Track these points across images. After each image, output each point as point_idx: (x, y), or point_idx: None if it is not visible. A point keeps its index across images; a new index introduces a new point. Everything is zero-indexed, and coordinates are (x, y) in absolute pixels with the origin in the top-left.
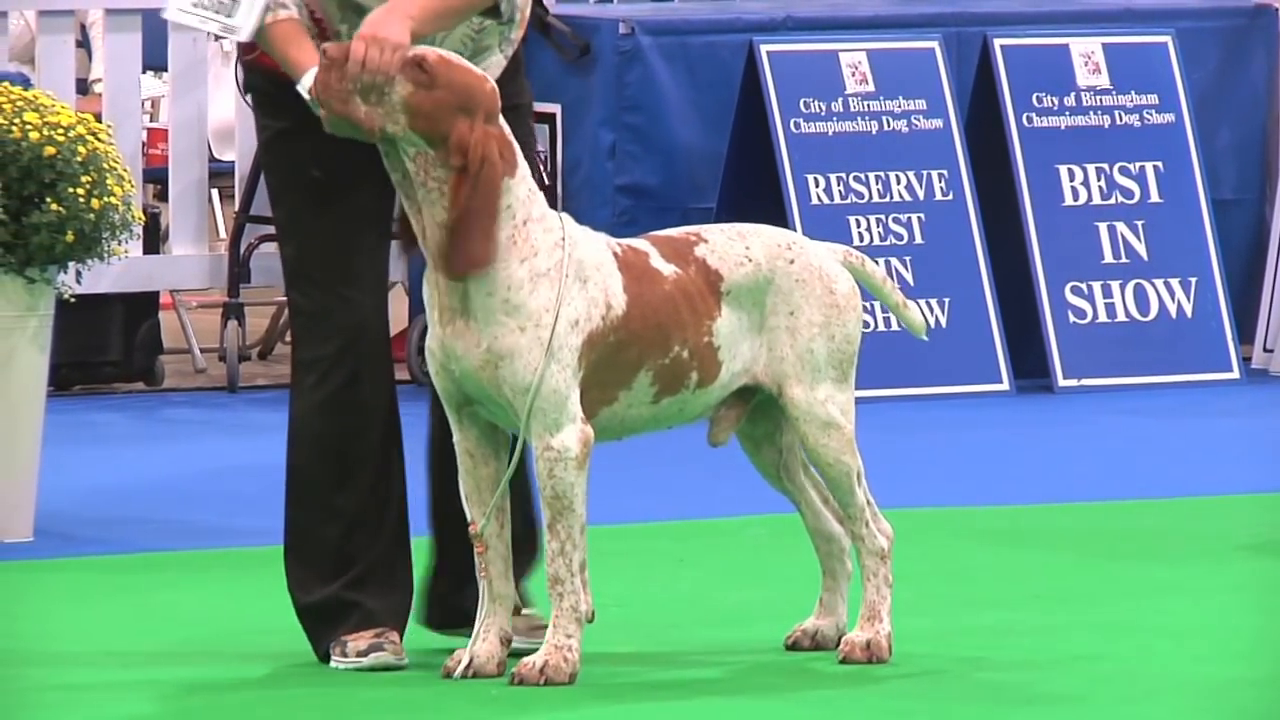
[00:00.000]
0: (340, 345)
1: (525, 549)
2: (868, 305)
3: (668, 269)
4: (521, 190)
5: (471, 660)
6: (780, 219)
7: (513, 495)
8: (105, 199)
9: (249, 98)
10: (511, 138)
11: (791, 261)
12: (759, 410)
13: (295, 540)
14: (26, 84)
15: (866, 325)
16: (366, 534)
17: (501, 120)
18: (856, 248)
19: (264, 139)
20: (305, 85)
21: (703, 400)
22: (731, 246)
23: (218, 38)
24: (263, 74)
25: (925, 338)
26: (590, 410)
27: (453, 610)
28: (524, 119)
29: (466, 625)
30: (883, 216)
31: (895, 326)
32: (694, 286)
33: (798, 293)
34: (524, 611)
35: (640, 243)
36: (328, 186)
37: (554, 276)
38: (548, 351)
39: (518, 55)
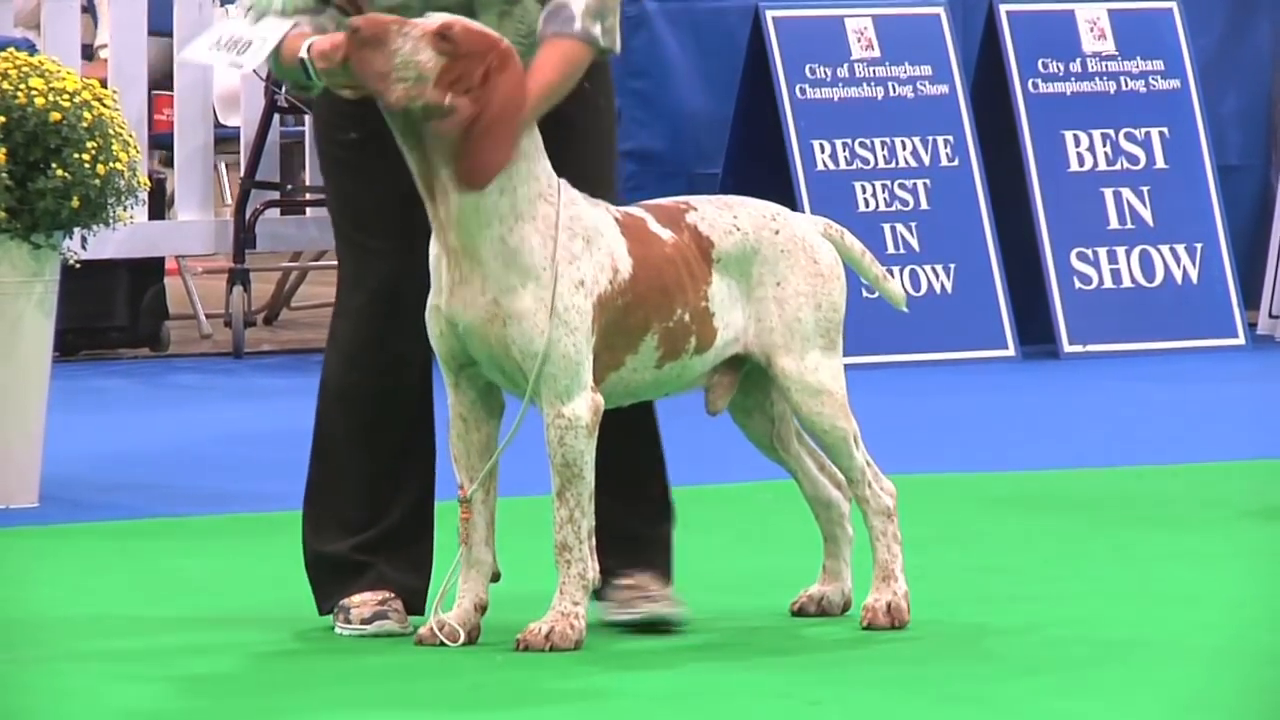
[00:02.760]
0: (369, 296)
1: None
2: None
3: (665, 233)
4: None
5: (445, 627)
6: (785, 185)
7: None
8: (110, 164)
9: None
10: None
11: (776, 232)
12: (749, 381)
13: (313, 492)
14: (32, 50)
15: (872, 293)
16: (384, 496)
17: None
18: (862, 214)
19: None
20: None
21: (699, 366)
22: (720, 215)
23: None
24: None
25: (905, 309)
26: (599, 375)
27: None
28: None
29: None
30: (888, 182)
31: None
32: (690, 252)
33: (783, 263)
34: (624, 581)
35: (636, 209)
36: (357, 150)
37: (547, 233)
38: (553, 314)
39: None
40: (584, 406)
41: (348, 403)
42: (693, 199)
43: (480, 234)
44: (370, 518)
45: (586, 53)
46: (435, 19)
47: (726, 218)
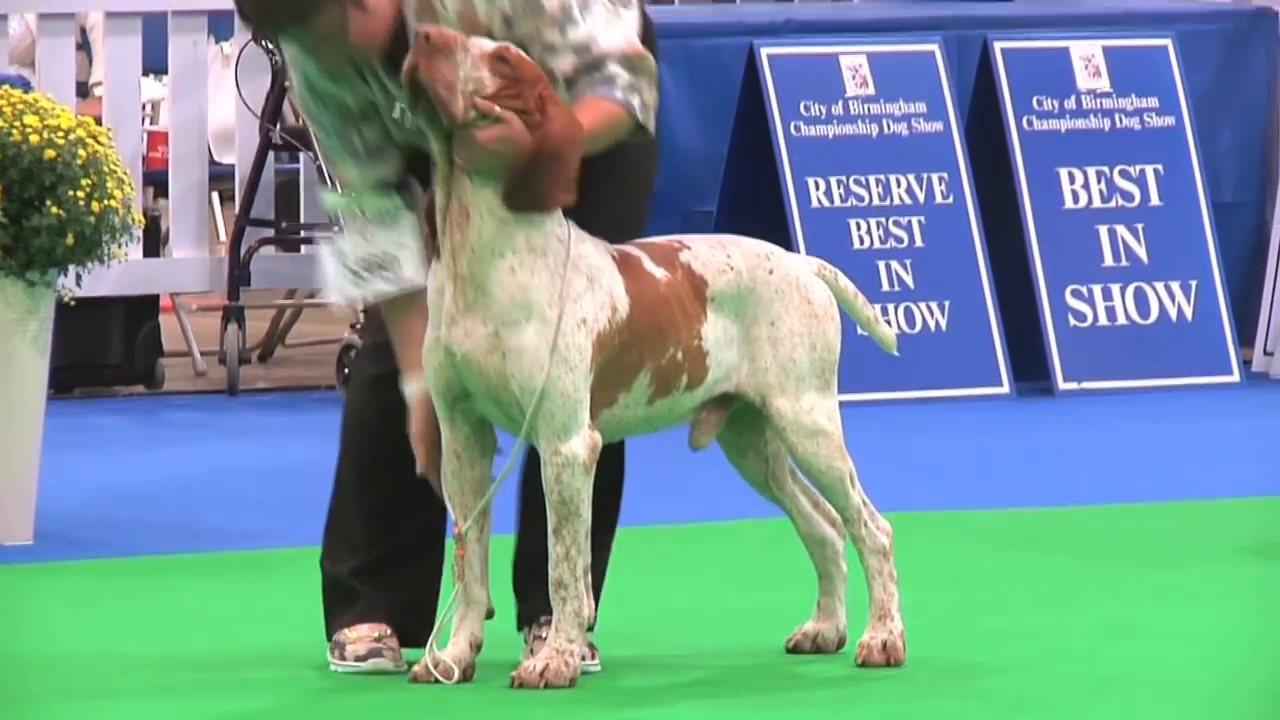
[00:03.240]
0: None
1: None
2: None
3: (659, 272)
4: None
5: (440, 664)
6: (780, 222)
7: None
8: (105, 202)
9: None
10: None
11: (770, 272)
12: (743, 419)
13: (329, 518)
14: (27, 87)
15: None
16: (392, 519)
17: None
18: (857, 251)
19: None
20: (409, 391)
21: (688, 402)
22: (714, 255)
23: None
24: None
25: (896, 353)
26: (592, 414)
27: None
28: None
29: None
30: (883, 219)
31: (896, 330)
32: (683, 290)
33: (777, 303)
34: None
35: (630, 248)
36: None
37: (556, 271)
38: (554, 351)
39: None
40: (582, 444)
41: (366, 430)
42: (686, 238)
43: (491, 263)
44: (375, 542)
45: (625, 118)
46: (489, 43)
47: (720, 257)
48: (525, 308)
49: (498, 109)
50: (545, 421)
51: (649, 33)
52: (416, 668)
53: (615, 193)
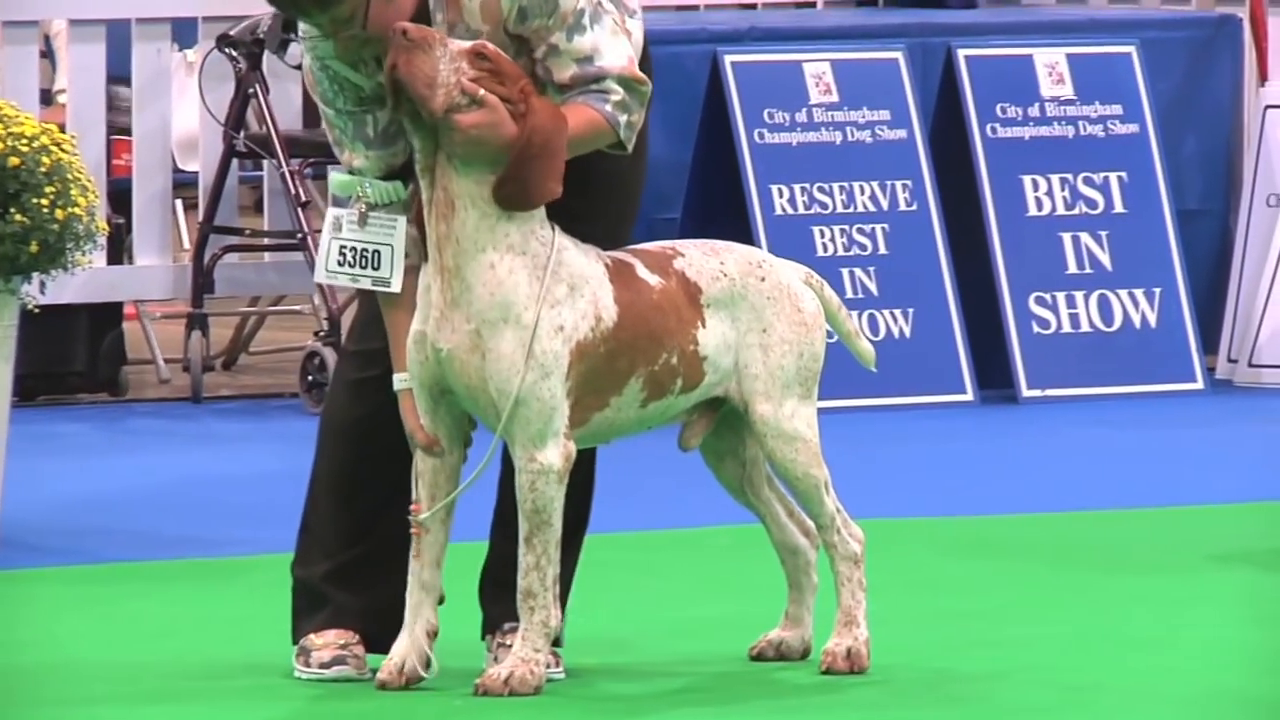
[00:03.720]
0: (386, 344)
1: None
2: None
3: (653, 279)
4: None
5: (404, 666)
6: (744, 230)
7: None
8: (69, 209)
9: None
10: None
11: (763, 279)
12: (723, 424)
13: (305, 519)
14: None
15: (831, 337)
16: (368, 523)
17: None
18: (821, 258)
19: None
20: (398, 383)
21: (683, 404)
22: (707, 261)
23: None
24: None
25: (874, 369)
26: (583, 416)
27: None
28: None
29: None
30: (846, 227)
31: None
32: (678, 297)
33: (769, 310)
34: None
35: (624, 255)
36: None
37: (535, 274)
38: (530, 356)
39: None
40: (556, 453)
41: (346, 433)
42: (679, 244)
43: (475, 256)
44: (351, 545)
45: (609, 131)
46: (466, 42)
47: (713, 264)
48: (502, 308)
49: (482, 91)
50: (521, 428)
51: (643, 43)
52: (381, 674)
53: (610, 202)
